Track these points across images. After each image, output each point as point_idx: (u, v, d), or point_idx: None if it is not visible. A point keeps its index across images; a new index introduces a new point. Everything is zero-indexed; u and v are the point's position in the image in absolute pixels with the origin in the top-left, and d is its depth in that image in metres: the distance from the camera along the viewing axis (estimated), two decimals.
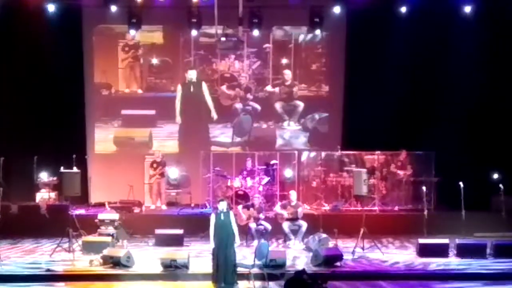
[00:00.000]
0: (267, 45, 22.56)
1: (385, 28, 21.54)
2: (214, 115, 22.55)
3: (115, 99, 22.91)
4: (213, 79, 22.78)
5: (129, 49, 22.85)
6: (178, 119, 22.62)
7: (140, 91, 22.92)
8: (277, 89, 22.35)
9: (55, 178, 20.37)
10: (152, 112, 22.83)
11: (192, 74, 22.36)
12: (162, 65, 22.86)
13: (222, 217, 14.64)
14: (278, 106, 22.66)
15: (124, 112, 22.84)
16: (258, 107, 22.59)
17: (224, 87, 22.36)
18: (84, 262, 16.10)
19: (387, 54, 21.57)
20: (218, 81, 22.77)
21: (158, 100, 22.83)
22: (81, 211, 19.92)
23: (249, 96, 22.35)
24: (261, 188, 20.77)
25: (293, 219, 18.26)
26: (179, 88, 22.65)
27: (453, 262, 16.47)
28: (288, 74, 22.59)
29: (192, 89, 22.42)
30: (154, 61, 22.85)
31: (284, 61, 22.74)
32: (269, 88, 22.45)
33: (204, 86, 22.58)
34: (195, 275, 15.21)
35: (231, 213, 14.84)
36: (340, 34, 22.42)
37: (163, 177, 21.26)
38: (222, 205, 14.77)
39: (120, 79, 22.92)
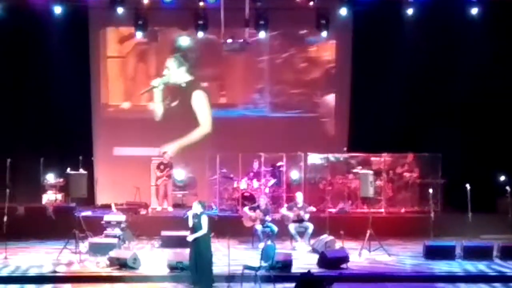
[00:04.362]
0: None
1: (391, 30, 21.52)
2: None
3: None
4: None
5: None
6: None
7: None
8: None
9: (61, 180, 20.40)
10: None
11: (174, 72, 22.08)
12: None
13: (194, 220, 14.48)
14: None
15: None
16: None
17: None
18: (90, 264, 16.15)
19: (394, 56, 21.54)
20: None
21: None
22: (87, 213, 19.86)
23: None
24: (267, 190, 20.76)
25: (300, 221, 18.26)
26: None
27: (459, 264, 16.45)
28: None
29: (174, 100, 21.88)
30: None
31: None
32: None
33: (199, 96, 22.06)
34: None
35: (203, 217, 14.49)
36: (347, 36, 22.40)
37: (170, 178, 21.23)
38: (195, 207, 14.60)
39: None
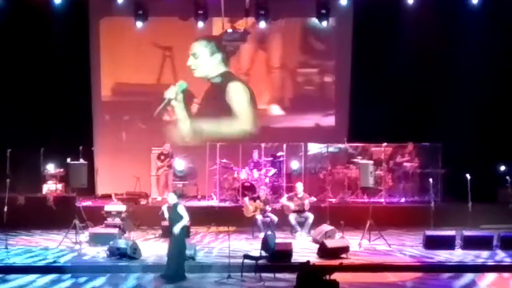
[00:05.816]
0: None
1: (392, 19, 21.47)
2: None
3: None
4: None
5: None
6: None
7: None
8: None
9: (61, 170, 20.41)
10: None
11: (205, 62, 22.21)
12: None
13: (171, 210, 14.55)
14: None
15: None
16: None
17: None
18: (90, 254, 16.16)
19: (394, 46, 21.48)
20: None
21: None
22: (87, 203, 19.96)
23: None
24: (267, 180, 20.75)
25: (300, 211, 18.25)
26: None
27: (459, 254, 16.46)
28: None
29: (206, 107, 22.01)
30: None
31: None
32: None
33: (237, 86, 22.06)
34: (201, 267, 15.22)
35: (179, 207, 14.54)
36: (347, 26, 22.35)
37: (171, 168, 21.22)
38: (170, 198, 14.68)
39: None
